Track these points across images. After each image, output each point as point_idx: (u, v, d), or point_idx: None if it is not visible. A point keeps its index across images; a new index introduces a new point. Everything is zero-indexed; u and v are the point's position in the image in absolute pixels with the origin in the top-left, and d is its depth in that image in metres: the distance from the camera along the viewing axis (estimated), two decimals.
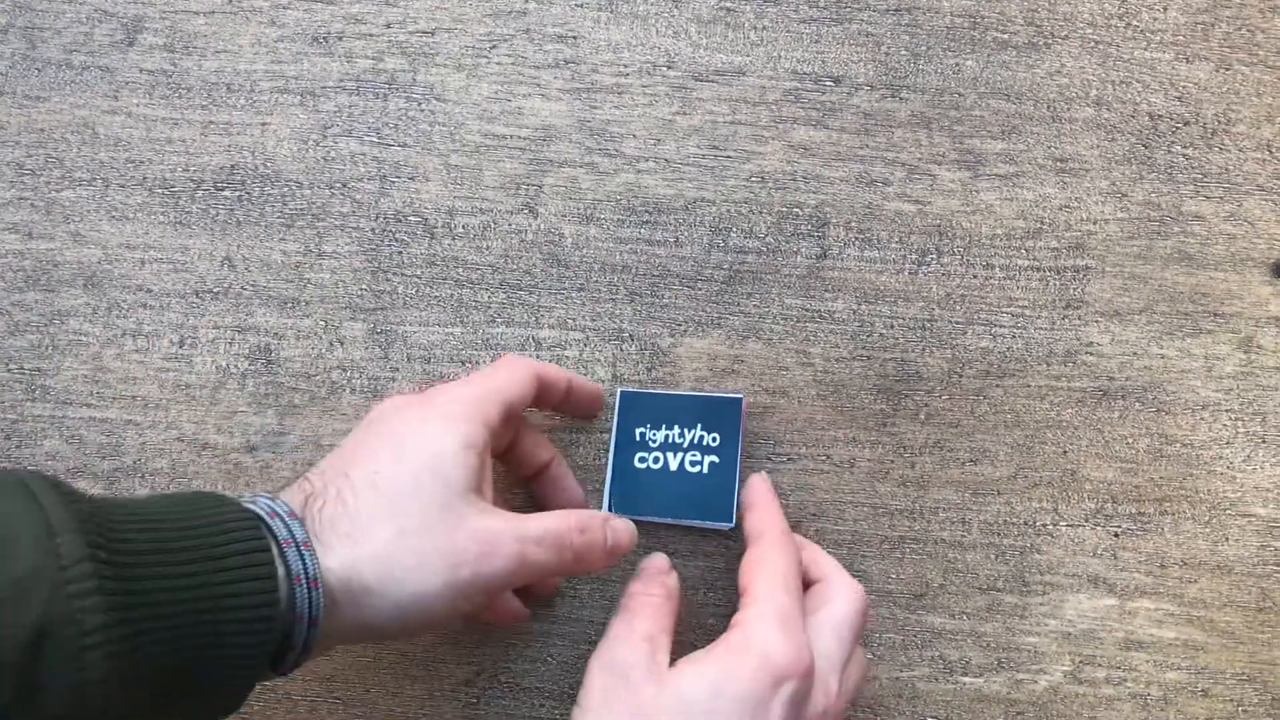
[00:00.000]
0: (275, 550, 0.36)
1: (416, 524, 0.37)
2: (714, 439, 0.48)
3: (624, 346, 0.51)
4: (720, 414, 0.49)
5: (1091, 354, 0.51)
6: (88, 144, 0.52)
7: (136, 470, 0.50)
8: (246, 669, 0.35)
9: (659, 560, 0.46)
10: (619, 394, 0.49)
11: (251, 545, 0.35)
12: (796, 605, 0.41)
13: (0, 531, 0.30)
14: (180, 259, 0.51)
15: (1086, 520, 0.50)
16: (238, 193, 0.51)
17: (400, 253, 0.51)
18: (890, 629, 0.50)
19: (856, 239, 0.51)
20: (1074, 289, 0.51)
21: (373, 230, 0.51)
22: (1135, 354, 0.51)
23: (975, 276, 0.51)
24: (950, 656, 0.50)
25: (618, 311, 0.51)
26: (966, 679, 0.50)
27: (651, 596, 0.43)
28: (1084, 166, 0.52)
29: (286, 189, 0.51)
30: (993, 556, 0.50)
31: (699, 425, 0.49)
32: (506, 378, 0.44)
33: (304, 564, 0.35)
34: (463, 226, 0.51)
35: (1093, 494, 0.50)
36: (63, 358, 0.51)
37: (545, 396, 0.47)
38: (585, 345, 0.51)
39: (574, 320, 0.51)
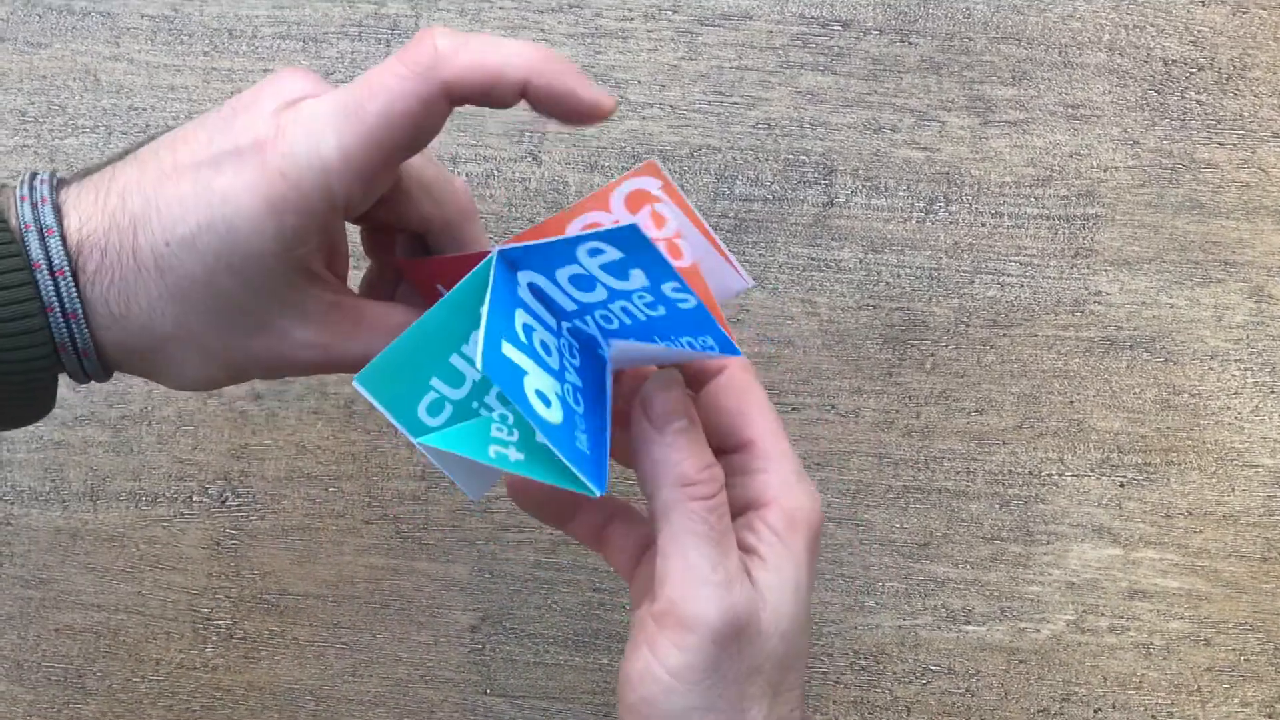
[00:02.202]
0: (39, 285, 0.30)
1: (203, 324, 0.32)
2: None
3: None
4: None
5: (1100, 303, 0.51)
6: (90, 91, 0.51)
7: (144, 418, 0.50)
8: (19, 374, 0.31)
9: (666, 399, 0.33)
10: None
11: (13, 279, 0.30)
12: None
13: None
14: None
15: (1092, 470, 0.50)
16: None
17: None
18: (894, 578, 0.50)
19: (864, 187, 0.51)
20: (1083, 237, 0.51)
21: None
22: (1144, 303, 0.51)
23: (983, 225, 0.51)
24: (954, 605, 0.50)
25: None
26: (970, 627, 0.50)
27: (707, 496, 0.33)
28: (1095, 113, 0.51)
29: None
30: (997, 506, 0.50)
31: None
32: (374, 113, 0.30)
33: (71, 335, 0.31)
34: (466, 174, 0.51)
35: (1099, 444, 0.50)
36: None
37: (477, 99, 0.32)
38: None
39: None
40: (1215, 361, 0.50)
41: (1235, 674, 0.49)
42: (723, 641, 0.32)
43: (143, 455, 0.50)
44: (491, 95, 0.31)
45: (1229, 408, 0.50)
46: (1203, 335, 0.51)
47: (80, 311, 0.31)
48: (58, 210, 0.31)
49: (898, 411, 0.50)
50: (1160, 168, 0.51)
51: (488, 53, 0.30)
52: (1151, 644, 0.50)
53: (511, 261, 0.31)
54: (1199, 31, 0.51)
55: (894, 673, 0.50)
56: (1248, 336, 0.50)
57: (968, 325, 0.51)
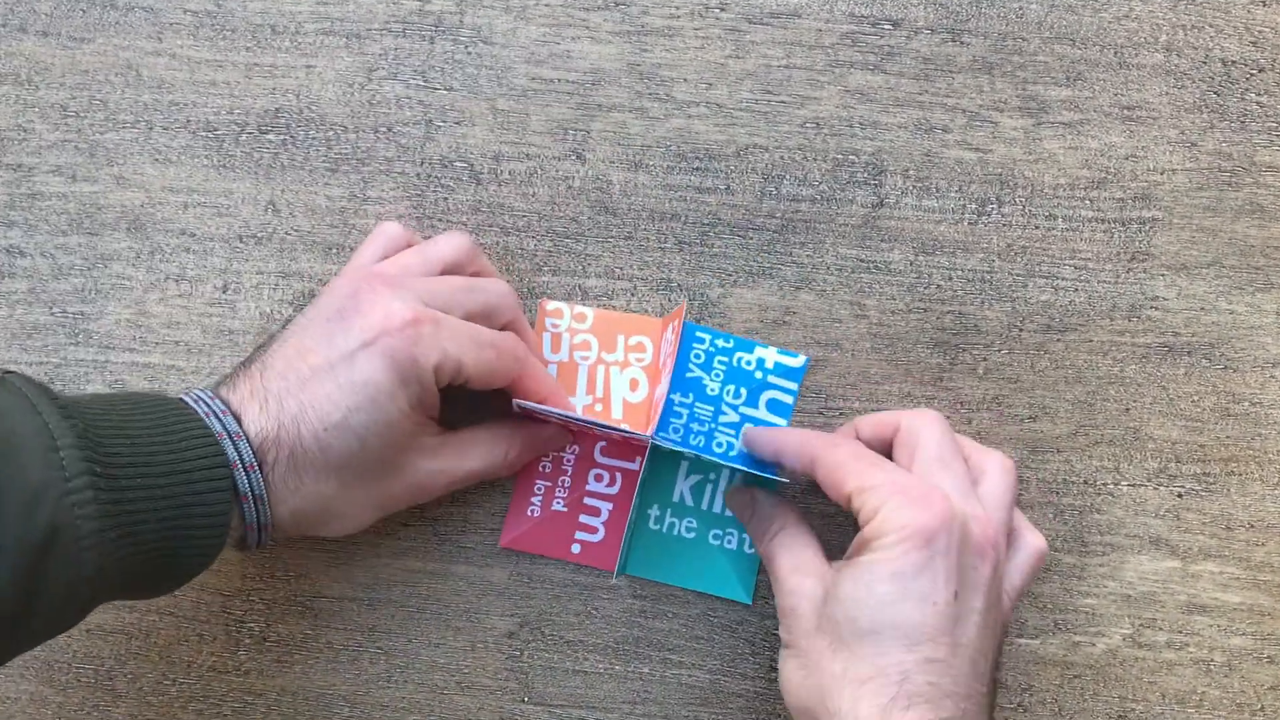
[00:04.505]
0: (232, 477, 0.39)
1: (357, 481, 0.42)
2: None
3: (672, 297, 0.50)
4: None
5: (1157, 308, 0.49)
6: (131, 86, 0.51)
7: None
8: (199, 563, 0.40)
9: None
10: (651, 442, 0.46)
11: (215, 463, 0.39)
12: (899, 470, 0.41)
13: (13, 442, 0.35)
14: (224, 203, 0.50)
15: (1149, 480, 0.49)
16: (282, 136, 0.51)
17: (446, 199, 0.50)
18: None
19: (914, 188, 0.50)
20: (1139, 241, 0.50)
21: (418, 175, 0.50)
22: (1203, 309, 0.49)
23: (1037, 227, 0.50)
24: None
25: (666, 261, 0.50)
26: (1022, 640, 0.48)
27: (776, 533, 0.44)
28: (1152, 114, 0.50)
29: (331, 133, 0.51)
30: (1051, 515, 0.49)
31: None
32: (486, 359, 0.43)
33: (257, 514, 0.40)
34: (509, 172, 0.50)
35: (1156, 453, 0.49)
36: (106, 302, 0.50)
37: (515, 390, 0.46)
38: (633, 295, 0.50)
39: (621, 269, 0.50)
40: (1277, 369, 0.49)
41: None
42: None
43: None
44: (525, 393, 0.46)
45: None
46: (1264, 342, 0.49)
47: (266, 497, 0.40)
48: (236, 417, 0.40)
49: (949, 417, 0.49)
50: (1219, 170, 0.50)
51: (542, 375, 0.46)
52: (1212, 660, 0.48)
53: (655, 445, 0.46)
54: (1259, 32, 0.50)
55: None
56: None
57: (1021, 330, 0.49)
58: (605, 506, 0.49)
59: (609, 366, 0.49)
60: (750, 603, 0.48)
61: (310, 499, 0.41)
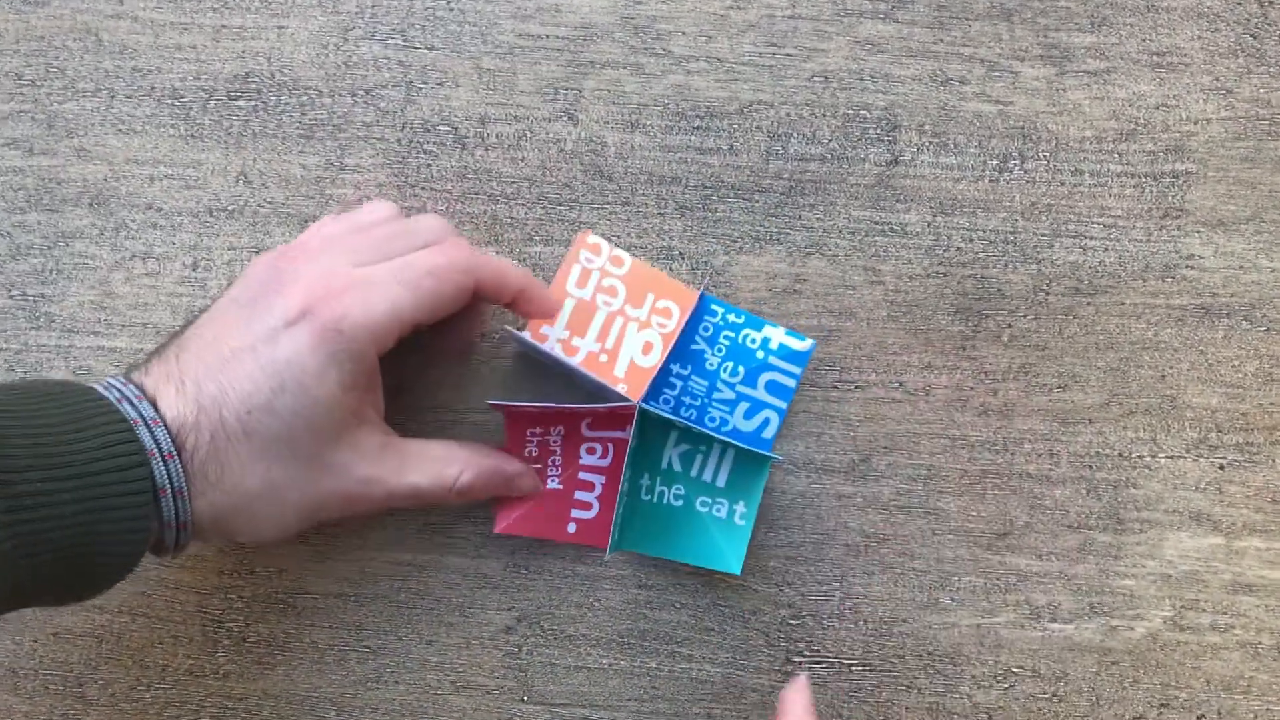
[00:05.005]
0: (150, 469, 0.36)
1: (284, 475, 0.38)
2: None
3: (674, 266, 0.47)
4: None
5: (1192, 268, 0.46)
6: (91, 52, 0.48)
7: None
8: (118, 568, 0.37)
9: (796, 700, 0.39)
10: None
11: (131, 462, 0.35)
12: None
13: None
14: (192, 175, 0.47)
15: (1188, 451, 0.46)
16: (253, 103, 0.47)
17: (429, 165, 0.47)
18: (972, 572, 0.45)
19: (931, 144, 0.47)
20: (1172, 196, 0.46)
21: (399, 141, 0.47)
22: (1241, 267, 0.46)
23: (1063, 184, 0.47)
24: (1038, 601, 0.45)
25: (666, 227, 0.47)
26: (1056, 625, 0.45)
27: None
28: (1183, 60, 0.47)
29: (305, 98, 0.47)
30: (1084, 492, 0.46)
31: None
32: (427, 291, 0.39)
33: (176, 510, 0.37)
34: (496, 136, 0.47)
35: (1195, 422, 0.46)
36: (68, 283, 0.47)
37: (484, 297, 0.42)
38: None
39: (618, 237, 0.47)
40: None
41: None
42: None
43: None
44: (496, 295, 0.42)
45: None
46: None
47: (186, 490, 0.37)
48: (152, 401, 0.37)
49: (972, 389, 0.46)
50: (1257, 119, 0.47)
51: (502, 268, 0.42)
52: (1259, 643, 0.45)
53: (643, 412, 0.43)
54: None
55: (973, 676, 0.45)
56: None
57: (1047, 293, 0.46)
58: (598, 480, 0.45)
59: (628, 321, 0.46)
60: (739, 573, 0.44)
61: (231, 493, 0.38)
